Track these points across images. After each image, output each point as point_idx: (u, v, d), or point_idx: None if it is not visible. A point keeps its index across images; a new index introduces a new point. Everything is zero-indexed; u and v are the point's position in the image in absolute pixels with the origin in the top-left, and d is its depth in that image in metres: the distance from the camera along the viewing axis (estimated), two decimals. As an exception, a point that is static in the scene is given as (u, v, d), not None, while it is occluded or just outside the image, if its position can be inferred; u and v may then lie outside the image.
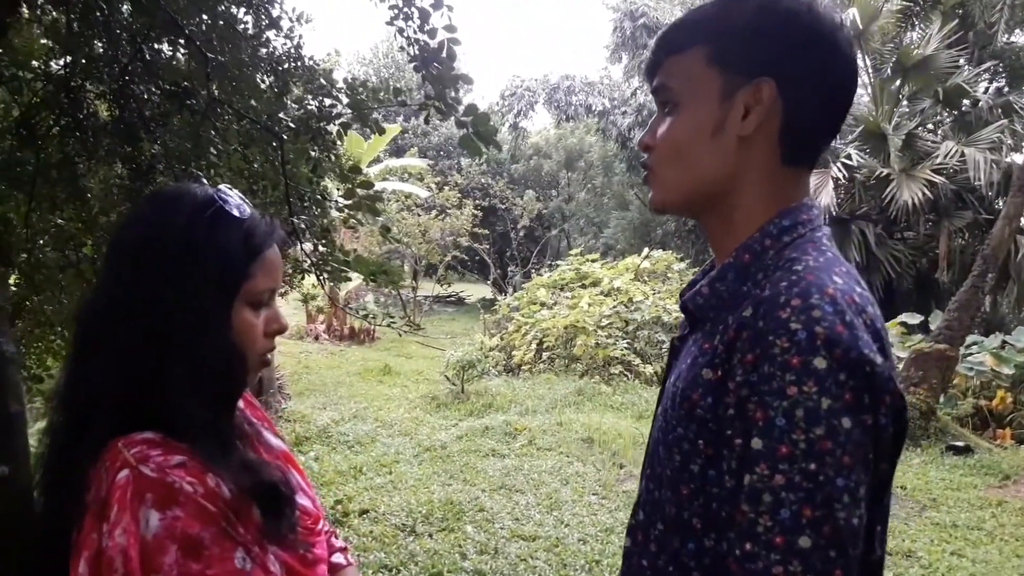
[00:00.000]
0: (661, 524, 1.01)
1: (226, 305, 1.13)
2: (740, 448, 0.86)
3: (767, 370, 0.83)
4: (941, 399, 8.29)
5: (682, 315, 1.10)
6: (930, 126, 13.75)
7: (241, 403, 1.29)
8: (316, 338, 15.27)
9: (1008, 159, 11.78)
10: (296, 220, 3.00)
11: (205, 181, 1.93)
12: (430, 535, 5.13)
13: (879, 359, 0.84)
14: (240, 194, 1.20)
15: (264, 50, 3.08)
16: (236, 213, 1.15)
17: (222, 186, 1.20)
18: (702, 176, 1.01)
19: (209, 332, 1.11)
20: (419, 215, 19.56)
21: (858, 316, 0.86)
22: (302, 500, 1.27)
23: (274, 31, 3.11)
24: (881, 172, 12.21)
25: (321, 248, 3.29)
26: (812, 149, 1.03)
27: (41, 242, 3.31)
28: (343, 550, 1.41)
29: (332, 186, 3.50)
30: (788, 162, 1.00)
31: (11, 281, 3.45)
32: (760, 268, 0.96)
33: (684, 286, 1.14)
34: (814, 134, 1.01)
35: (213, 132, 2.92)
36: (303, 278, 3.65)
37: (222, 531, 1.02)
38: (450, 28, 2.73)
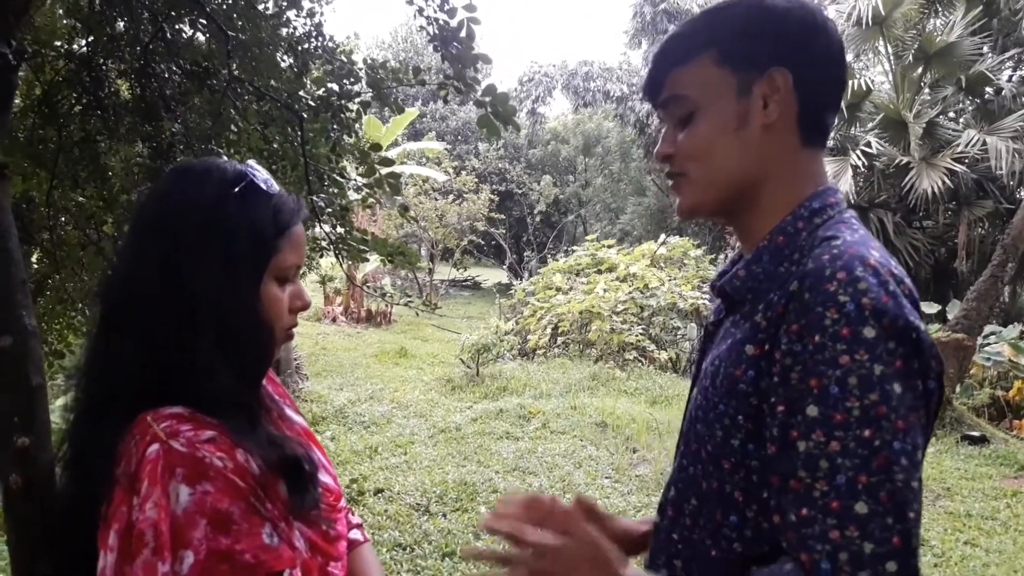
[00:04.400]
0: (695, 499, 1.04)
1: (256, 279, 1.14)
2: (783, 415, 0.89)
3: (818, 340, 0.86)
4: (957, 389, 8.24)
5: (712, 302, 1.13)
6: (952, 114, 13.56)
7: (263, 380, 1.30)
8: (333, 320, 15.37)
9: (1031, 148, 11.62)
10: (315, 199, 3.01)
11: (227, 157, 1.94)
12: (444, 515, 5.17)
13: (922, 325, 0.88)
14: (266, 171, 1.21)
15: (284, 30, 3.08)
16: (265, 188, 1.16)
17: (250, 161, 1.21)
18: (734, 170, 1.05)
19: (240, 304, 1.11)
20: (436, 199, 19.59)
21: (898, 286, 0.90)
22: (323, 477, 1.28)
23: (294, 11, 3.11)
24: (901, 160, 12.07)
25: (340, 229, 3.31)
26: (825, 128, 1.08)
27: (63, 220, 3.34)
28: (359, 527, 1.43)
29: (351, 167, 3.51)
30: (807, 144, 1.06)
31: (33, 259, 3.49)
32: (795, 249, 1.01)
33: (713, 276, 1.19)
34: (825, 113, 1.08)
35: (233, 111, 2.93)
36: (322, 255, 3.67)
37: (251, 506, 1.03)
38: (469, 7, 2.71)
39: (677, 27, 1.12)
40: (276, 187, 1.19)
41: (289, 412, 1.34)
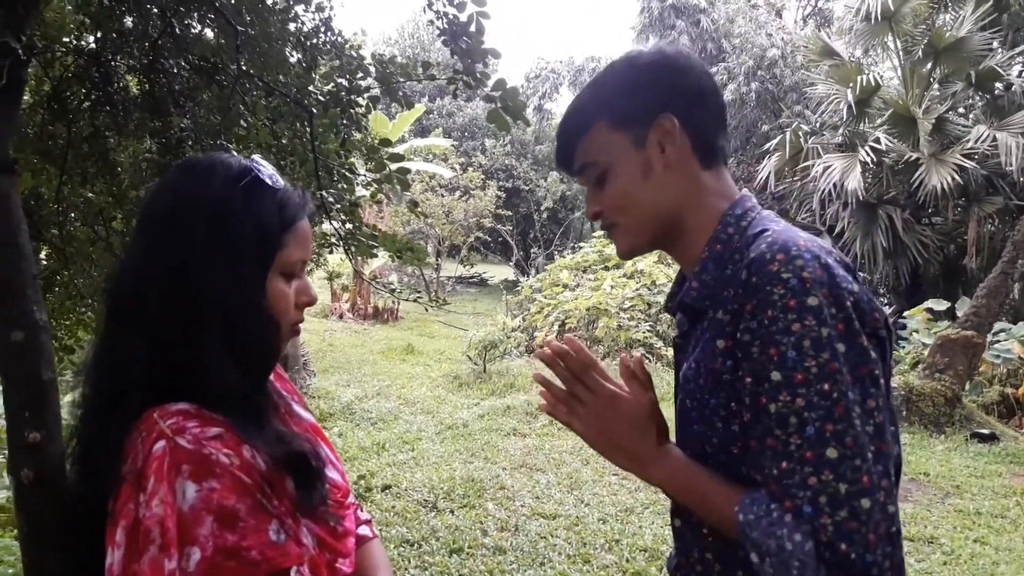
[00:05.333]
0: None
1: (261, 274, 1.14)
2: (751, 385, 1.01)
3: (771, 314, 0.98)
4: (967, 386, 8.21)
5: (675, 319, 1.29)
6: (961, 110, 13.47)
7: (271, 376, 1.30)
8: (340, 316, 15.39)
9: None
10: (324, 195, 3.00)
11: (235, 153, 1.93)
12: (451, 511, 5.18)
13: (855, 287, 1.01)
14: (271, 166, 1.21)
15: (293, 25, 3.08)
16: (270, 183, 1.16)
17: (255, 156, 1.20)
18: (655, 211, 1.21)
19: (245, 300, 1.11)
20: (443, 196, 19.58)
21: (829, 256, 1.03)
22: (331, 474, 1.28)
23: (303, 6, 3.11)
24: (910, 156, 12.03)
25: (348, 225, 3.30)
26: (719, 149, 1.23)
27: (72, 216, 3.34)
28: (368, 523, 1.42)
29: (359, 163, 3.51)
30: (708, 167, 1.21)
31: (42, 255, 3.49)
32: (733, 251, 1.14)
33: (665, 300, 1.34)
34: (714, 137, 1.22)
35: (242, 107, 2.93)
36: (331, 251, 3.67)
37: (257, 503, 1.03)
38: (479, 1, 2.71)
39: (571, 103, 1.28)
40: (281, 182, 1.19)
41: (297, 408, 1.34)
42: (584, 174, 1.26)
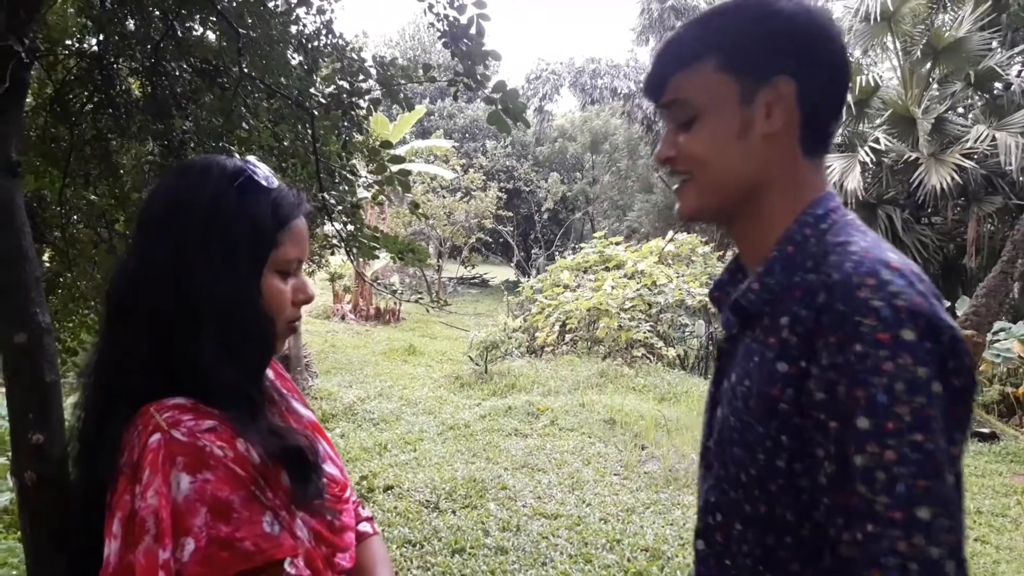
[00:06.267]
0: (740, 525, 1.03)
1: (256, 272, 1.16)
2: (836, 431, 0.87)
3: (859, 349, 0.85)
4: (967, 385, 8.19)
5: (718, 313, 1.14)
6: (960, 109, 13.48)
7: (271, 373, 1.31)
8: (342, 318, 15.42)
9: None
10: (326, 196, 3.02)
11: (237, 155, 1.95)
12: (453, 512, 5.18)
13: (952, 321, 0.88)
14: (267, 167, 1.23)
15: (294, 27, 3.09)
16: (264, 183, 1.18)
17: (250, 157, 1.22)
18: (735, 178, 1.04)
19: (240, 298, 1.13)
20: (444, 197, 19.59)
21: (923, 283, 0.90)
22: (330, 469, 1.30)
23: (304, 8, 3.12)
24: (909, 156, 12.03)
25: (350, 227, 3.32)
26: (827, 137, 1.07)
27: (75, 218, 3.35)
28: (369, 519, 1.44)
29: (361, 165, 3.52)
30: (808, 153, 1.05)
31: (44, 257, 3.49)
32: (806, 256, 0.99)
33: (712, 287, 1.20)
34: (828, 122, 1.06)
35: (244, 109, 2.94)
36: (333, 252, 3.68)
37: (251, 495, 1.05)
38: (479, 3, 2.72)
39: (680, 27, 1.10)
40: (276, 182, 1.21)
41: (296, 405, 1.36)
42: (671, 110, 1.09)
